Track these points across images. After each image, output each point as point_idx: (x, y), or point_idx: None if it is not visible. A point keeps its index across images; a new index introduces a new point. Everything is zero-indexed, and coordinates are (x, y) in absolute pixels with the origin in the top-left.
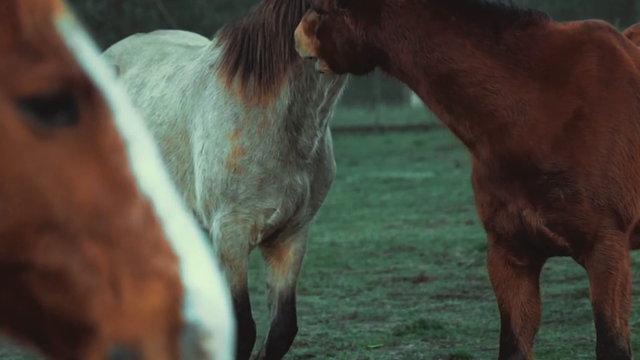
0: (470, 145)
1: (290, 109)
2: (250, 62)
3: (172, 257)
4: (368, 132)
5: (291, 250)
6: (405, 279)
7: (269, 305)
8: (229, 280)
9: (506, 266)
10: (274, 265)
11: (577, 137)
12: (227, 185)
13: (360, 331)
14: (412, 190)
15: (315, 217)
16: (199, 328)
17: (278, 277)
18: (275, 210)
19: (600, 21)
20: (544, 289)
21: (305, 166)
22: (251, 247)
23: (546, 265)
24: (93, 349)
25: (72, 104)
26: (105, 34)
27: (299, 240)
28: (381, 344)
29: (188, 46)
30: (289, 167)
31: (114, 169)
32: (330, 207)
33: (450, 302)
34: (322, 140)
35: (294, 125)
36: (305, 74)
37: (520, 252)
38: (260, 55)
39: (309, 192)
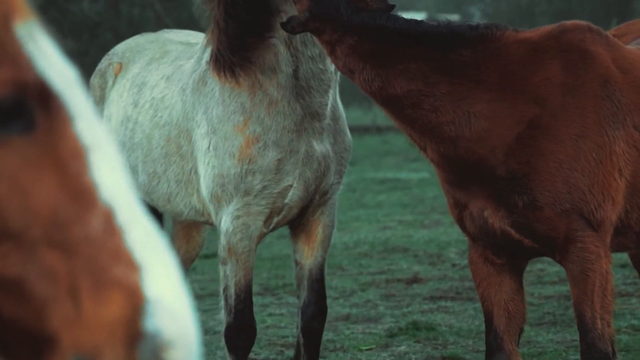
0: (423, 149)
1: (296, 74)
2: (233, 49)
3: (132, 266)
4: (365, 132)
5: (320, 225)
6: (399, 280)
7: (298, 285)
8: (234, 274)
9: (486, 264)
10: (303, 242)
11: (533, 145)
12: (240, 178)
13: (353, 333)
14: (407, 190)
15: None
16: (158, 338)
17: (307, 254)
18: (292, 186)
19: (579, 22)
20: (537, 290)
21: (324, 128)
22: (260, 238)
23: (540, 266)
24: (54, 359)
25: (28, 111)
26: (102, 34)
27: (328, 215)
28: (373, 346)
29: (188, 43)
30: (304, 134)
31: (73, 176)
32: None
33: (443, 303)
34: (335, 100)
35: (305, 89)
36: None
37: (496, 251)
38: (252, 45)
39: (332, 155)
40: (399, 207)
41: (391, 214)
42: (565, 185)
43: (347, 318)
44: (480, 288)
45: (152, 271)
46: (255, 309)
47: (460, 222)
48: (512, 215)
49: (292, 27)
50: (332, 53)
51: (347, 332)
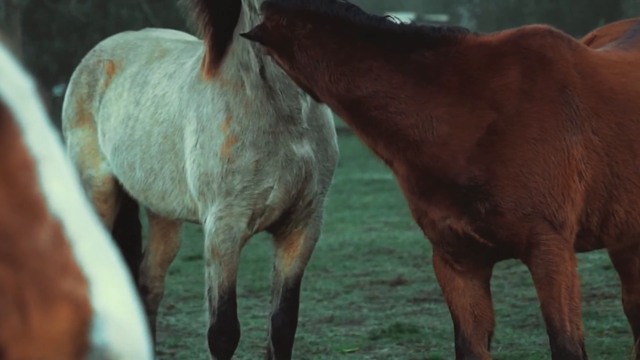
0: (389, 163)
1: (263, 74)
2: (223, 49)
3: (81, 279)
4: (352, 133)
5: (302, 237)
6: (383, 282)
7: (272, 290)
8: (217, 275)
9: (448, 268)
10: (284, 249)
11: (492, 150)
12: (222, 178)
13: (336, 335)
14: (394, 192)
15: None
16: (106, 352)
17: (286, 262)
18: (272, 187)
19: (540, 26)
20: (520, 292)
21: (303, 133)
22: (244, 240)
23: (523, 268)
24: None
25: None
26: (91, 35)
27: (312, 227)
28: (356, 348)
29: (187, 42)
30: (281, 137)
31: (21, 188)
32: None
33: (427, 305)
34: (314, 104)
35: (273, 90)
36: None
37: (456, 258)
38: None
39: (315, 160)
40: (385, 209)
41: (377, 216)
42: (525, 189)
43: (330, 320)
44: (445, 292)
45: (101, 284)
46: (238, 311)
47: (421, 227)
48: (476, 221)
49: (255, 33)
50: (291, 56)
51: (330, 334)
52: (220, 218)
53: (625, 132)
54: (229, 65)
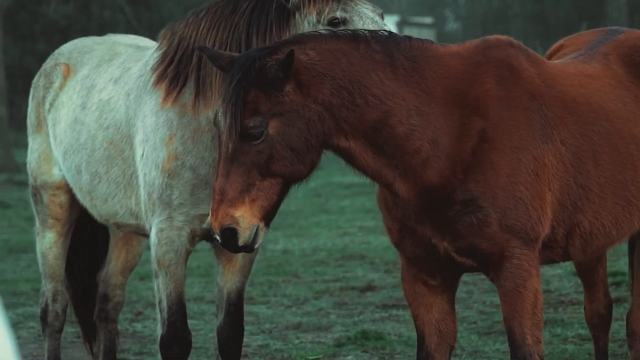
0: (389, 185)
1: (216, 117)
2: (185, 76)
3: None
4: None
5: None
6: (353, 288)
7: (217, 306)
8: (165, 287)
9: (417, 284)
10: (224, 265)
11: (485, 159)
12: (162, 190)
13: (302, 342)
14: (372, 195)
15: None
16: None
17: (227, 278)
18: (208, 214)
19: (501, 37)
20: (489, 298)
21: None
22: (188, 253)
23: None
24: None
25: None
26: (73, 37)
27: None
28: (321, 355)
29: (138, 47)
30: None
31: None
32: (288, 213)
33: (395, 312)
34: None
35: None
36: None
37: (432, 272)
38: (197, 71)
39: None
40: (361, 213)
41: (353, 220)
42: (511, 199)
43: (297, 327)
44: (412, 307)
45: None
46: (206, 317)
47: (400, 244)
48: (457, 241)
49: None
50: (313, 85)
51: (296, 341)
52: (161, 230)
53: (588, 142)
54: (179, 92)
